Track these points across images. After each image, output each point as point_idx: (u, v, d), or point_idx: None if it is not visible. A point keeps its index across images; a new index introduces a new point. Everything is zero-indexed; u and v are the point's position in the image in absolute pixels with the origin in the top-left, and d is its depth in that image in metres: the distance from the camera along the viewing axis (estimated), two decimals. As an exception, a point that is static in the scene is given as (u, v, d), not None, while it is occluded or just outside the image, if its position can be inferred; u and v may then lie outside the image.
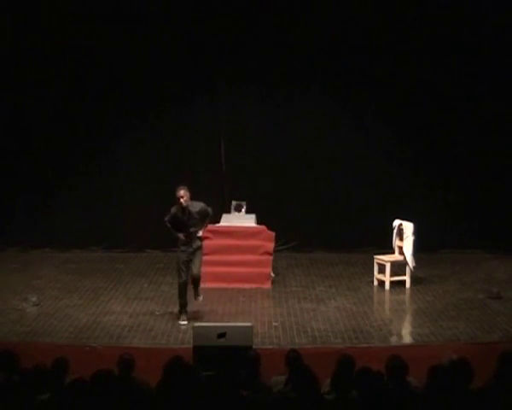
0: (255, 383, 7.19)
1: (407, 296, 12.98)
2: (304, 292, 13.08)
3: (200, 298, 11.79)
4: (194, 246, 11.57)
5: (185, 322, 11.35)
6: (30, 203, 15.64)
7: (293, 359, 7.52)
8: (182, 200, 11.43)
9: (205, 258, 13.64)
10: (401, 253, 13.44)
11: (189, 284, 11.69)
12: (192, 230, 11.52)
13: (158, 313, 11.84)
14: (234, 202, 14.60)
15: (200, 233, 11.64)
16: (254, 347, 8.66)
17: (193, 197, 15.51)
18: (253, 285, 13.28)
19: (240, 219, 14.27)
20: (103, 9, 15.15)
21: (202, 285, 13.24)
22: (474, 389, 6.70)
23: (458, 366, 6.85)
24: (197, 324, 9.57)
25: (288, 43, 15.33)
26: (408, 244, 13.32)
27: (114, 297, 12.71)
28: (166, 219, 11.68)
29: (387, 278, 13.23)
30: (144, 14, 15.23)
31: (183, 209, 11.50)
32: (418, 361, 7.83)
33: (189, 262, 11.59)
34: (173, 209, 11.62)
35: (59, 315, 11.72)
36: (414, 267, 13.39)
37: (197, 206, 11.58)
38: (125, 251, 15.69)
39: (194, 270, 11.59)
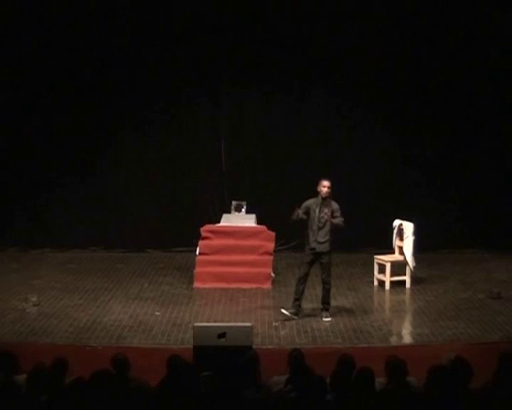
0: (255, 383, 7.19)
1: (407, 296, 12.98)
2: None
3: (327, 319, 11.62)
4: (325, 249, 11.59)
5: (286, 312, 11.53)
6: (30, 203, 15.64)
7: (296, 358, 7.51)
8: (325, 189, 11.49)
9: (205, 258, 13.74)
10: (401, 253, 13.44)
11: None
12: (319, 225, 11.51)
13: (158, 313, 11.84)
14: (234, 202, 14.62)
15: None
16: (254, 347, 8.65)
17: (194, 197, 15.74)
18: (253, 285, 13.28)
19: (240, 219, 14.29)
20: (108, 9, 15.15)
21: (202, 285, 13.32)
22: (474, 389, 6.70)
23: (456, 365, 6.84)
24: (197, 324, 9.58)
25: (289, 44, 15.34)
26: (408, 244, 13.33)
27: (114, 297, 12.72)
28: (294, 216, 11.64)
29: (387, 278, 13.24)
30: (148, 15, 15.24)
31: (322, 200, 11.53)
32: (418, 361, 7.82)
33: (312, 263, 11.69)
34: (309, 201, 11.65)
35: (59, 315, 11.72)
36: (414, 267, 13.39)
37: (335, 206, 11.62)
38: (125, 251, 15.69)
39: (323, 275, 11.83)
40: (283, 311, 11.60)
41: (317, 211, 11.56)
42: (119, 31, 15.22)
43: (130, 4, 15.28)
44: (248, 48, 15.39)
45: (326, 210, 11.56)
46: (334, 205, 11.64)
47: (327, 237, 11.58)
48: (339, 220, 11.60)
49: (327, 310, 11.71)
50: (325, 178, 11.64)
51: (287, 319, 11.48)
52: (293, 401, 6.60)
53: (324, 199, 11.57)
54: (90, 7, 15.13)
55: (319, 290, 13.14)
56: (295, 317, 11.56)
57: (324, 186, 11.55)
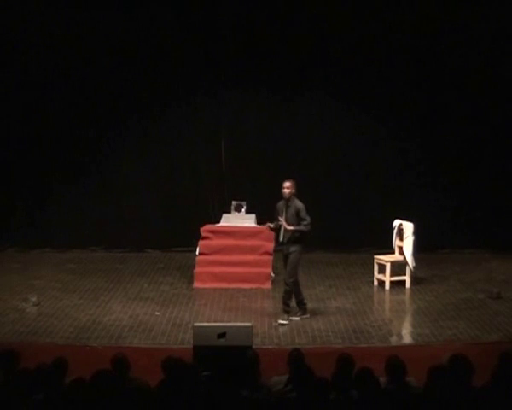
0: (255, 383, 7.19)
1: (407, 296, 12.98)
2: (304, 292, 13.05)
3: (282, 321, 11.43)
4: (289, 249, 11.48)
5: (296, 318, 11.47)
6: (30, 203, 15.64)
7: (296, 358, 7.50)
8: (284, 190, 11.45)
9: (205, 258, 13.74)
10: (401, 253, 13.44)
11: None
12: (286, 227, 11.42)
13: (158, 313, 11.84)
14: (234, 202, 14.61)
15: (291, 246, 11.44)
16: (254, 347, 8.64)
17: (194, 197, 15.73)
18: (253, 285, 13.29)
19: (240, 219, 14.29)
20: (107, 9, 15.13)
21: (202, 285, 13.31)
22: (474, 389, 6.70)
23: (455, 362, 6.83)
24: (197, 324, 9.58)
25: (289, 44, 15.33)
26: (408, 244, 13.33)
27: (114, 297, 12.72)
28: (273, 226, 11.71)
29: (387, 278, 13.23)
30: (147, 15, 15.24)
31: (286, 202, 11.50)
32: (418, 361, 7.83)
33: (285, 263, 11.65)
34: (278, 204, 11.64)
35: (59, 315, 11.73)
36: (414, 267, 13.39)
37: (298, 204, 11.49)
38: (125, 251, 15.69)
39: (285, 276, 11.69)
40: (292, 318, 11.52)
41: (284, 213, 11.52)
42: (119, 30, 15.20)
43: (129, 4, 15.27)
44: (248, 48, 15.39)
45: (290, 211, 11.48)
46: (298, 204, 11.49)
47: (292, 239, 11.46)
48: (300, 226, 11.39)
49: (285, 312, 11.52)
50: (287, 179, 11.60)
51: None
52: (293, 401, 6.60)
53: (288, 200, 11.50)
54: (88, 6, 15.12)
55: (318, 290, 13.19)
56: (307, 315, 11.59)
57: (283, 187, 11.50)
